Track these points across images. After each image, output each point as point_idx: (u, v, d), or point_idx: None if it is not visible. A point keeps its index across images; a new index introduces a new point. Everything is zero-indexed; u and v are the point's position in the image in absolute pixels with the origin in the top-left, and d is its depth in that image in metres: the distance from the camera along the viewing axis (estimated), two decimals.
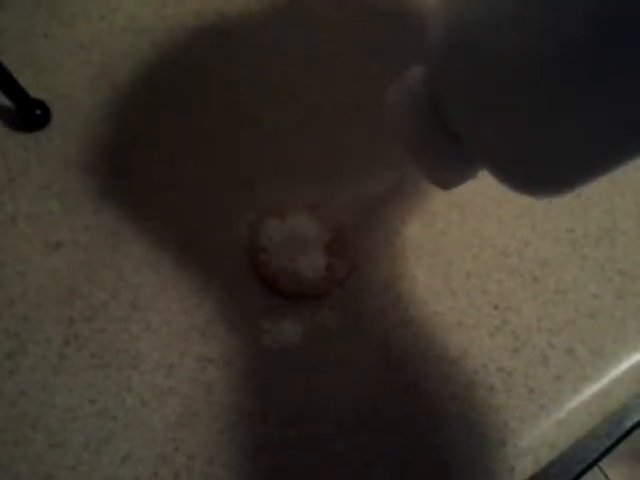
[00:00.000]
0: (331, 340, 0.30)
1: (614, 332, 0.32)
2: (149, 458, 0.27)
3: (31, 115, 0.33)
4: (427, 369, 0.30)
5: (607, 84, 0.16)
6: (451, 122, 0.20)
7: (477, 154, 0.21)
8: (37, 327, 0.29)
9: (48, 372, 0.28)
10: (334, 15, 0.40)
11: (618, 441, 0.35)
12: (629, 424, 0.35)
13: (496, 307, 0.32)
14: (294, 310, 0.30)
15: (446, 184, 0.23)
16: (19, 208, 0.31)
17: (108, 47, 0.36)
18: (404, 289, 0.31)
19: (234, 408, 0.28)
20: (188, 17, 0.38)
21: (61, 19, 0.37)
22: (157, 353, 0.29)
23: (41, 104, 0.33)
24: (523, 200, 0.34)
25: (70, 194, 0.32)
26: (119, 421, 0.27)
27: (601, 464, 1.16)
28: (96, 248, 0.31)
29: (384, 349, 0.30)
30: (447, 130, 0.20)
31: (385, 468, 0.28)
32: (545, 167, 0.19)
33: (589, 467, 0.34)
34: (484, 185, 0.34)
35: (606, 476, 1.16)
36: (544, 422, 0.30)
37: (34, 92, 0.33)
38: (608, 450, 0.34)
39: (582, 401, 0.31)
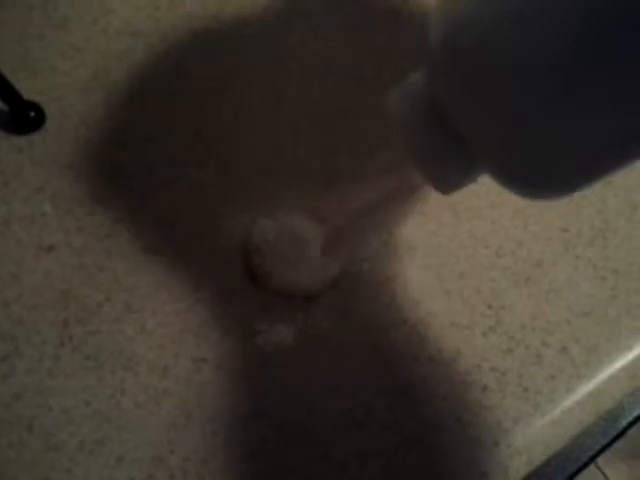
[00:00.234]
0: (325, 341, 0.30)
1: (608, 331, 0.32)
2: (144, 460, 0.27)
3: (25, 117, 0.33)
4: (421, 369, 0.30)
5: (608, 86, 0.16)
6: (452, 124, 0.20)
7: (478, 157, 0.21)
8: (32, 329, 0.29)
9: (43, 374, 0.28)
10: (329, 17, 0.40)
11: (613, 440, 0.35)
12: (624, 423, 0.35)
13: (490, 307, 0.32)
14: (288, 311, 0.30)
15: (446, 188, 0.23)
16: (13, 211, 0.31)
17: (102, 50, 0.36)
18: (398, 289, 0.31)
19: (229, 409, 0.28)
20: (181, 20, 0.38)
21: (55, 22, 0.37)
22: (152, 355, 0.29)
23: (35, 106, 0.33)
24: (516, 201, 0.34)
25: (64, 196, 0.32)
26: (114, 423, 0.27)
27: (599, 463, 1.16)
28: (90, 250, 0.31)
29: (378, 350, 0.30)
30: (448, 133, 0.20)
31: (379, 469, 0.28)
32: (546, 169, 0.19)
33: (584, 466, 0.34)
34: (477, 186, 0.34)
35: (604, 474, 1.17)
36: (538, 421, 0.30)
37: (28, 94, 0.33)
38: (603, 449, 0.34)
39: (576, 400, 0.31)
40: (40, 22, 0.37)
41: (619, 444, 0.35)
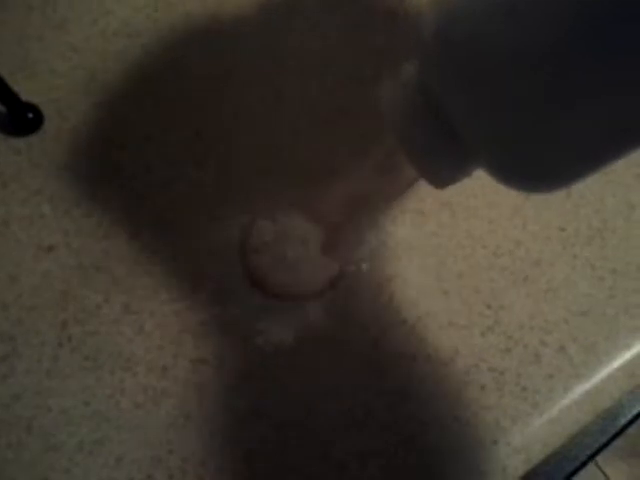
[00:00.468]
0: (324, 341, 0.30)
1: (606, 330, 0.32)
2: (143, 460, 0.27)
3: (23, 119, 0.33)
4: (419, 369, 0.30)
5: (601, 76, 0.16)
6: (445, 117, 0.20)
7: (472, 150, 0.21)
8: (31, 330, 0.29)
9: (42, 375, 0.28)
10: (328, 17, 0.40)
11: (612, 438, 0.35)
12: (623, 421, 0.35)
13: (488, 307, 0.32)
14: (287, 311, 0.30)
15: (440, 181, 0.23)
16: (11, 212, 0.31)
17: (101, 51, 0.36)
18: (396, 290, 0.32)
19: (228, 410, 0.28)
20: (180, 20, 0.38)
21: (54, 23, 0.37)
22: (150, 355, 0.29)
23: (33, 108, 0.33)
24: (514, 200, 0.35)
25: (62, 198, 0.32)
26: (113, 423, 0.28)
27: (599, 461, 1.16)
28: (89, 251, 0.31)
29: (377, 350, 0.30)
30: (441, 126, 0.20)
31: (379, 469, 0.28)
32: (540, 161, 0.19)
33: (583, 465, 0.34)
34: (475, 186, 0.35)
35: (604, 473, 1.17)
36: (537, 420, 0.30)
37: (26, 96, 0.33)
38: (602, 448, 0.34)
39: (575, 399, 0.31)
40: (39, 23, 0.37)
41: (618, 443, 0.35)
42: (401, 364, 0.30)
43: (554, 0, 0.16)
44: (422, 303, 0.31)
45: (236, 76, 0.37)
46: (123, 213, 0.32)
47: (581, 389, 0.31)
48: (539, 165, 0.19)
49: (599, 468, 1.17)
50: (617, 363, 0.32)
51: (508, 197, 0.35)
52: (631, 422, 0.35)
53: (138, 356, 0.29)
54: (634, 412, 0.35)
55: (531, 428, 0.30)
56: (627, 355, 0.32)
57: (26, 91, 0.33)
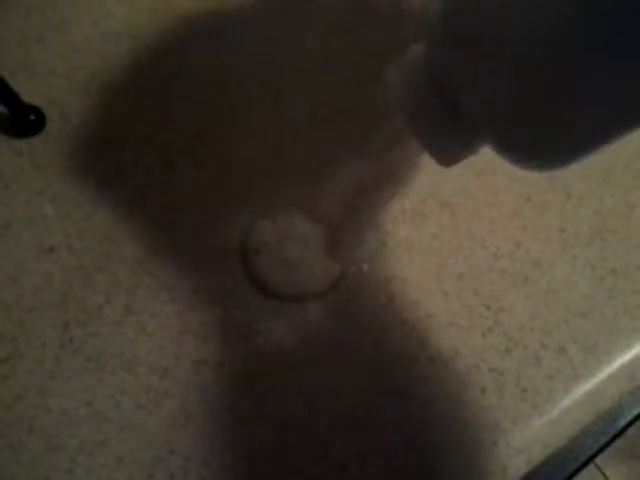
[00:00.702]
0: (324, 341, 0.30)
1: (606, 331, 0.32)
2: (144, 460, 0.27)
3: (25, 120, 0.33)
4: (420, 370, 0.30)
5: (608, 53, 0.16)
6: (452, 95, 0.20)
7: (478, 127, 0.21)
8: (32, 331, 0.29)
9: (44, 376, 0.28)
10: (328, 17, 0.40)
11: (612, 439, 0.35)
12: (623, 422, 0.35)
13: (488, 308, 0.32)
14: (287, 312, 0.30)
15: (446, 159, 0.23)
16: (14, 213, 0.31)
17: (101, 51, 0.36)
18: (397, 291, 0.32)
19: (229, 410, 0.29)
20: (181, 21, 0.38)
21: (55, 24, 0.37)
22: (152, 356, 0.29)
23: (35, 109, 0.33)
24: (514, 202, 0.35)
25: (64, 199, 0.32)
26: (114, 424, 0.28)
27: (598, 462, 1.16)
28: (90, 252, 0.31)
29: (377, 350, 0.30)
30: (448, 104, 0.21)
31: (379, 469, 0.28)
32: (546, 137, 0.19)
33: (583, 466, 0.34)
34: (475, 187, 0.35)
35: (604, 474, 1.17)
36: (536, 421, 0.30)
37: (28, 97, 0.33)
38: (602, 448, 0.35)
39: (575, 400, 0.31)
40: (39, 25, 0.37)
41: (618, 443, 0.35)
42: (401, 365, 0.30)
43: None
44: (422, 304, 0.32)
45: (236, 76, 0.37)
46: (124, 214, 0.32)
47: (581, 390, 0.31)
48: (544, 140, 0.19)
49: (599, 469, 1.17)
50: (617, 364, 0.32)
51: (508, 198, 0.35)
52: (631, 423, 0.35)
53: (139, 357, 0.29)
54: (634, 413, 0.35)
55: (531, 429, 0.30)
56: (627, 356, 0.32)
57: (27, 92, 0.33)
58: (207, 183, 0.33)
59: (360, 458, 0.28)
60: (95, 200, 0.32)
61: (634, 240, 0.35)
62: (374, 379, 0.30)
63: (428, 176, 0.35)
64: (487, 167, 0.35)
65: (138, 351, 0.29)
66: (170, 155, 0.34)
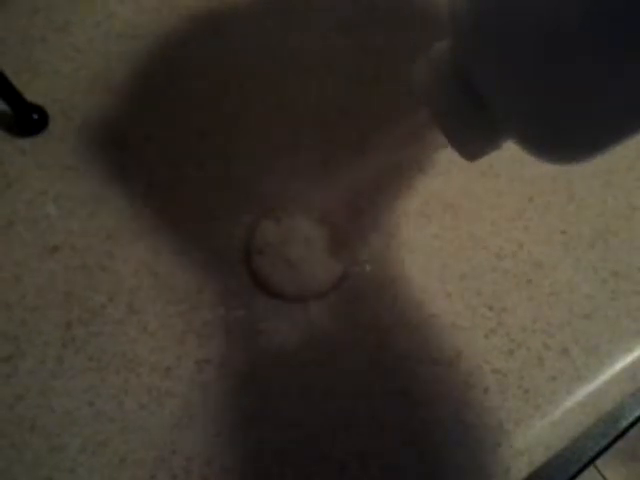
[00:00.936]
0: (327, 342, 0.30)
1: (608, 332, 0.32)
2: (147, 460, 0.27)
3: (28, 120, 0.33)
4: (422, 371, 0.30)
5: (632, 44, 0.16)
6: (477, 90, 0.20)
7: (503, 121, 0.21)
8: (35, 330, 0.29)
9: (46, 375, 0.28)
10: (329, 17, 0.40)
11: (614, 441, 0.35)
12: (624, 424, 0.35)
13: (491, 309, 0.32)
14: (290, 312, 0.30)
15: (471, 154, 0.23)
16: (17, 212, 0.31)
17: (104, 51, 0.37)
18: (399, 291, 0.32)
19: (231, 410, 0.28)
20: (183, 22, 0.38)
21: (58, 24, 0.37)
22: (154, 356, 0.29)
23: (38, 109, 0.33)
24: (517, 203, 0.35)
25: (67, 198, 0.32)
26: (117, 424, 0.28)
27: (598, 464, 1.16)
28: (93, 252, 0.31)
29: (379, 351, 0.30)
30: (473, 99, 0.21)
31: (380, 470, 0.28)
32: (572, 130, 0.19)
33: (585, 467, 0.34)
34: (478, 188, 0.35)
35: (603, 476, 1.17)
36: (539, 423, 0.30)
37: (31, 97, 0.33)
38: (604, 450, 0.35)
39: (577, 401, 0.31)
40: (43, 25, 0.37)
41: (619, 445, 0.35)
42: (404, 365, 0.30)
43: None
44: (425, 305, 0.32)
45: (237, 76, 0.37)
46: (127, 213, 0.32)
47: (583, 391, 0.31)
48: (568, 134, 0.20)
49: (598, 471, 1.17)
50: (619, 366, 0.32)
51: (511, 200, 0.35)
52: (632, 424, 0.35)
53: (142, 356, 0.29)
54: (635, 415, 0.35)
55: (534, 430, 0.30)
56: (629, 358, 0.32)
57: (30, 92, 0.33)
58: (209, 183, 0.33)
59: (361, 458, 0.28)
60: (98, 200, 0.32)
61: (636, 242, 0.35)
62: (376, 379, 0.30)
63: (431, 178, 0.35)
64: (489, 168, 0.35)
65: (140, 351, 0.29)
66: (172, 155, 0.34)
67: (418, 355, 0.30)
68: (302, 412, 0.29)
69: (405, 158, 0.32)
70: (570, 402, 0.31)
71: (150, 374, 0.29)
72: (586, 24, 0.16)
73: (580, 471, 0.34)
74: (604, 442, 0.35)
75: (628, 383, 0.32)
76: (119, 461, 0.27)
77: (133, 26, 0.38)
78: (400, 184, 0.35)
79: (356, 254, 0.32)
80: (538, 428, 0.30)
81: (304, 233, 0.32)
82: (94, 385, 0.28)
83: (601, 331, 0.32)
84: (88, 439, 0.27)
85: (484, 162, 0.35)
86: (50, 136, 0.33)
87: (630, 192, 0.36)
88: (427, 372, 0.30)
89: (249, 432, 0.28)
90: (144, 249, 0.31)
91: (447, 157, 0.35)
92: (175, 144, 0.34)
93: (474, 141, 0.23)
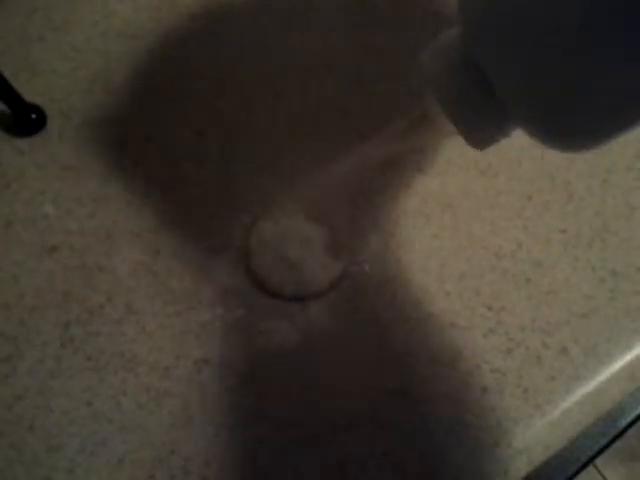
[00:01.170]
0: (326, 341, 0.30)
1: (607, 332, 0.32)
2: (145, 460, 0.27)
3: (27, 120, 0.33)
4: (421, 370, 0.30)
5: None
6: (486, 77, 0.20)
7: (512, 109, 0.21)
8: (33, 331, 0.29)
9: (44, 375, 0.28)
10: (329, 17, 0.40)
11: (613, 440, 0.35)
12: (624, 423, 0.35)
13: (490, 308, 0.32)
14: (289, 311, 0.30)
15: (480, 142, 0.23)
16: (15, 212, 0.31)
17: (103, 51, 0.37)
18: (398, 291, 0.32)
19: (230, 410, 0.28)
20: (183, 21, 0.38)
21: (56, 24, 0.37)
22: (152, 356, 0.29)
23: (36, 108, 0.33)
24: (515, 202, 0.35)
25: (65, 198, 0.32)
26: (115, 424, 0.27)
27: (597, 464, 1.16)
28: (91, 252, 0.31)
29: (378, 350, 0.30)
30: (482, 87, 0.21)
31: (380, 469, 0.28)
32: (581, 118, 0.20)
33: (584, 466, 0.34)
34: (476, 187, 0.35)
35: (602, 475, 1.17)
36: (538, 422, 0.30)
37: (29, 96, 0.33)
38: (603, 449, 0.35)
39: (576, 401, 0.31)
40: (41, 24, 0.37)
41: (618, 444, 0.35)
42: (403, 365, 0.30)
43: None
44: (424, 304, 0.32)
45: (236, 76, 0.37)
46: (125, 213, 0.32)
47: (582, 391, 0.31)
48: (577, 122, 0.20)
49: (598, 471, 1.17)
50: (618, 365, 0.32)
51: (509, 199, 0.35)
52: (631, 424, 0.35)
53: (140, 356, 0.29)
54: (635, 414, 0.35)
55: (533, 430, 0.30)
56: (628, 357, 0.32)
57: (28, 91, 0.33)
58: (208, 183, 0.33)
59: (360, 458, 0.28)
60: (96, 200, 0.32)
61: (635, 241, 0.35)
62: (375, 379, 0.30)
63: (430, 177, 0.35)
64: (488, 168, 0.35)
65: (139, 351, 0.29)
66: (171, 155, 0.34)
67: (416, 354, 0.30)
68: (302, 412, 0.29)
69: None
70: (569, 401, 0.31)
71: (149, 374, 0.28)
72: (592, 10, 0.16)
73: (579, 470, 0.34)
74: (603, 441, 0.35)
75: (627, 382, 0.32)
76: (117, 461, 0.27)
77: (132, 25, 0.38)
78: (399, 184, 0.35)
79: (355, 254, 0.32)
80: (537, 427, 0.30)
81: (303, 233, 0.32)
82: (92, 385, 0.28)
83: (600, 330, 0.32)
84: (86, 439, 0.27)
85: (483, 161, 0.35)
86: (48, 136, 0.33)
87: (629, 191, 0.36)
88: (425, 371, 0.30)
89: (248, 432, 0.28)
90: (143, 249, 0.31)
91: (446, 157, 0.35)
92: (174, 144, 0.34)
93: (483, 129, 0.23)
